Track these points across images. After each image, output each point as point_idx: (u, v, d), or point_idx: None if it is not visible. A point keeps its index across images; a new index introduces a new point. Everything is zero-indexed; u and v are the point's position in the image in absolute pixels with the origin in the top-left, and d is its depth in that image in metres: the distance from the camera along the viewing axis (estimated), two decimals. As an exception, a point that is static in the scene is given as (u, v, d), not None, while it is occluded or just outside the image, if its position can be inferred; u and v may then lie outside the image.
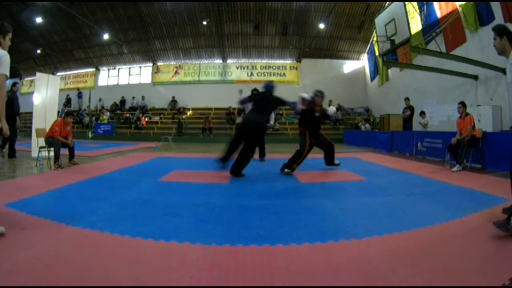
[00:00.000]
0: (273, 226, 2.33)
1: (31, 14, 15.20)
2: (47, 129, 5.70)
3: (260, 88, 5.42)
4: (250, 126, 4.61)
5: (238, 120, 14.64)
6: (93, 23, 15.38)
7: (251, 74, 18.20)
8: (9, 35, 2.29)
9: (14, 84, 6.84)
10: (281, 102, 4.86)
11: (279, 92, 5.01)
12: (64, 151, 5.45)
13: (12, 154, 6.39)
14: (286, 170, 4.76)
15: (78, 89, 19.39)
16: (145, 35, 17.38)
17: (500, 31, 2.30)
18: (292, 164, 4.79)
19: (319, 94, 5.14)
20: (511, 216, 2.08)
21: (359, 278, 1.54)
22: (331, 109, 5.43)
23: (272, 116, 6.33)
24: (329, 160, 5.34)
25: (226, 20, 16.28)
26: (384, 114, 12.93)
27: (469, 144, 5.22)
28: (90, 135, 15.14)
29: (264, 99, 4.81)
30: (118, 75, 19.39)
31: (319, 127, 5.21)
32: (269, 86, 4.94)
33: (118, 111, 18.13)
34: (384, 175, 4.85)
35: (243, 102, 4.95)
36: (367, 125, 14.09)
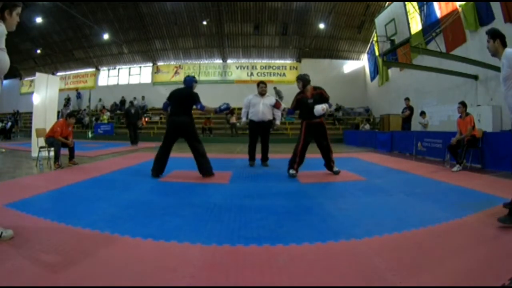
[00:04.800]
0: (273, 226, 2.33)
1: (31, 14, 15.18)
2: (47, 129, 5.71)
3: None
4: (177, 125, 4.44)
5: (233, 120, 14.62)
6: (93, 23, 15.39)
7: (251, 74, 18.21)
8: (17, 10, 2.03)
9: (131, 102, 11.02)
10: (192, 100, 4.43)
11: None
12: (64, 151, 5.46)
13: (135, 142, 10.63)
14: (290, 171, 4.59)
15: (77, 89, 19.40)
16: (145, 35, 17.38)
17: (493, 34, 2.38)
18: (292, 163, 4.62)
19: (297, 79, 4.76)
20: None
21: (359, 278, 1.54)
22: (317, 109, 4.49)
23: (278, 113, 5.62)
24: (326, 164, 4.82)
25: (226, 20, 16.29)
26: (384, 114, 12.92)
27: (469, 144, 5.22)
28: (90, 135, 15.14)
29: (179, 95, 4.48)
30: (118, 75, 19.41)
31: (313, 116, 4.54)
32: (188, 80, 4.59)
33: (118, 111, 18.13)
34: (384, 175, 4.85)
35: (165, 106, 4.61)
36: (367, 125, 14.08)
